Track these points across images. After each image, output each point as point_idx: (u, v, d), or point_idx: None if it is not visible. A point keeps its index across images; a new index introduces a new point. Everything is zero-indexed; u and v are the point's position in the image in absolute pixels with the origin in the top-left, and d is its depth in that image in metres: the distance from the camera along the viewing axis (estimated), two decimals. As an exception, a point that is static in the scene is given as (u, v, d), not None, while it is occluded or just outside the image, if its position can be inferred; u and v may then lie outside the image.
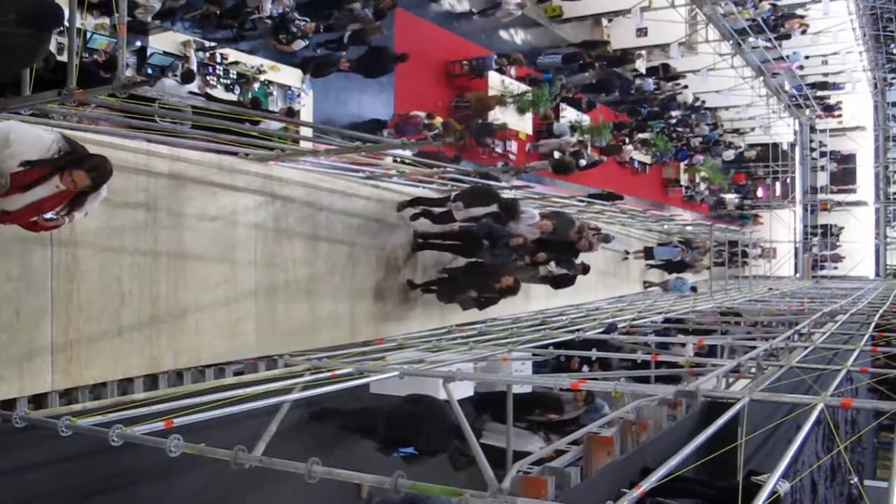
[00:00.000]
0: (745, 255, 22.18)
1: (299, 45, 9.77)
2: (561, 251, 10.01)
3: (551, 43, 17.85)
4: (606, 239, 12.34)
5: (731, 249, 20.56)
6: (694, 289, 17.13)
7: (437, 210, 8.76)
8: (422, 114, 12.56)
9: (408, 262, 8.84)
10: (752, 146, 29.91)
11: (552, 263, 9.98)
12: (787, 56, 24.14)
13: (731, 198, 29.01)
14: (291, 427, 4.95)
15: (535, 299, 11.28)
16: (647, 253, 17.62)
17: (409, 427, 6.64)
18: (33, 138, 3.89)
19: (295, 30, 9.59)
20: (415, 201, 8.80)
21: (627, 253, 17.02)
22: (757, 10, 21.10)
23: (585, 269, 10.49)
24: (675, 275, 17.53)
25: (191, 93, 8.18)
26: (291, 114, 9.38)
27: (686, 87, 22.86)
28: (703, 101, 24.85)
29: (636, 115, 21.44)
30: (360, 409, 7.73)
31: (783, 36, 22.88)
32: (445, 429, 6.12)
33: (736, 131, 29.05)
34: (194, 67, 8.22)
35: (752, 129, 29.23)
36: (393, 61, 11.35)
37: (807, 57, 25.60)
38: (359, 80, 11.57)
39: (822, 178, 31.61)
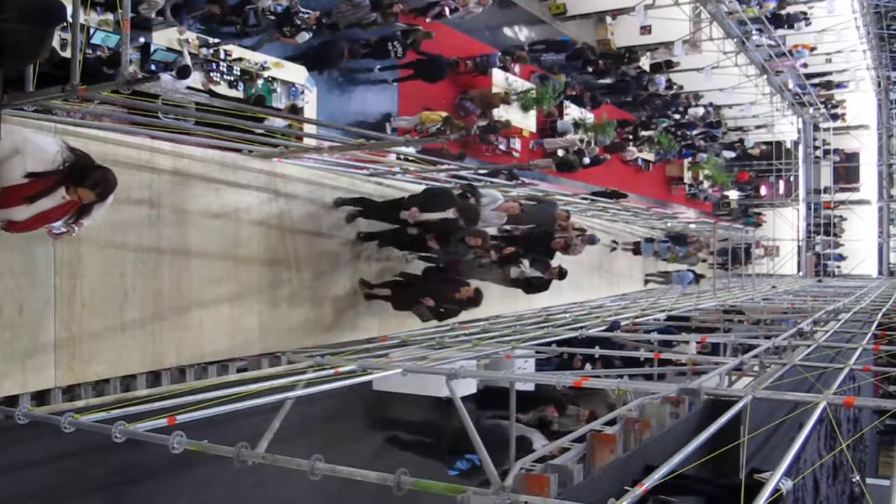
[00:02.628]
0: (748, 254, 22.17)
1: (304, 37, 9.70)
2: (539, 247, 9.10)
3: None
4: (592, 241, 11.92)
5: (734, 257, 20.48)
6: (697, 280, 17.37)
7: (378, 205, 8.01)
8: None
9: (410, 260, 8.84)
10: (757, 140, 29.84)
11: (525, 263, 8.72)
12: (792, 52, 24.08)
13: (735, 196, 28.97)
14: (294, 424, 4.96)
15: (536, 296, 11.24)
16: (636, 248, 17.52)
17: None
18: (38, 150, 3.93)
19: (299, 22, 9.53)
20: (358, 202, 8.02)
21: (615, 243, 16.65)
22: (762, 9, 21.04)
23: (562, 274, 9.04)
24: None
25: (194, 89, 8.16)
26: (295, 111, 9.36)
27: (682, 87, 22.87)
28: (711, 103, 24.84)
29: (642, 113, 21.41)
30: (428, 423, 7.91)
31: (787, 22, 22.72)
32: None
33: (740, 129, 29.01)
34: (188, 62, 8.16)
35: (757, 128, 29.18)
36: (448, 67, 12.53)
37: (811, 53, 25.55)
38: (363, 78, 11.61)
39: (826, 177, 31.59)
